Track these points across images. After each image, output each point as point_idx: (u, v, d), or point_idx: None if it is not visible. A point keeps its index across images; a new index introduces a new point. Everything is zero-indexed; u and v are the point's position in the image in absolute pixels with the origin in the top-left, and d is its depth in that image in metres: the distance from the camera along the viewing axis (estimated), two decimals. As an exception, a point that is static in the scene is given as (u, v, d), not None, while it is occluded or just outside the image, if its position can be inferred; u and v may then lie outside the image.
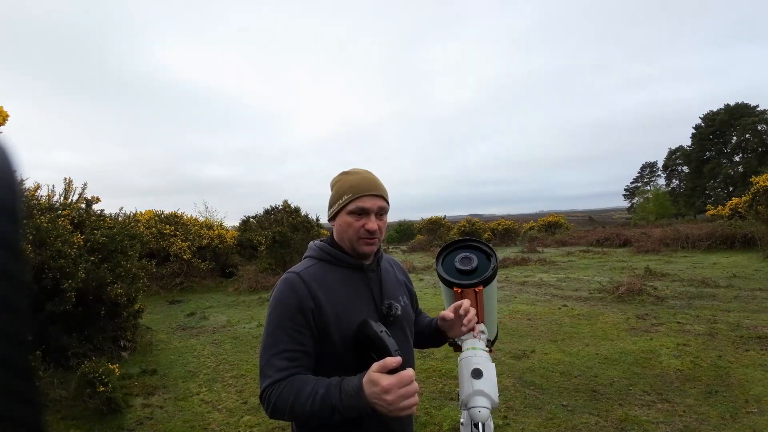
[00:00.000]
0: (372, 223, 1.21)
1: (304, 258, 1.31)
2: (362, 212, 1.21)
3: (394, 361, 0.98)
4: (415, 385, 0.98)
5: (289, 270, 1.24)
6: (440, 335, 1.37)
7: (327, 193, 1.31)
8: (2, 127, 4.26)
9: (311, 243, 1.33)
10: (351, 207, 1.21)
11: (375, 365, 0.99)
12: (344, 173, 1.29)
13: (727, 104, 43.77)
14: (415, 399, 0.98)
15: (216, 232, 13.41)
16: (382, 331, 1.08)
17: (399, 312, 1.27)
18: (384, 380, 0.96)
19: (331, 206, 1.28)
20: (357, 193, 1.21)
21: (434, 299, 8.15)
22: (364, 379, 1.00)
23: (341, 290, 1.21)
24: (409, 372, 0.98)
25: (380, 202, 1.24)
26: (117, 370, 4.17)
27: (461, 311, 1.24)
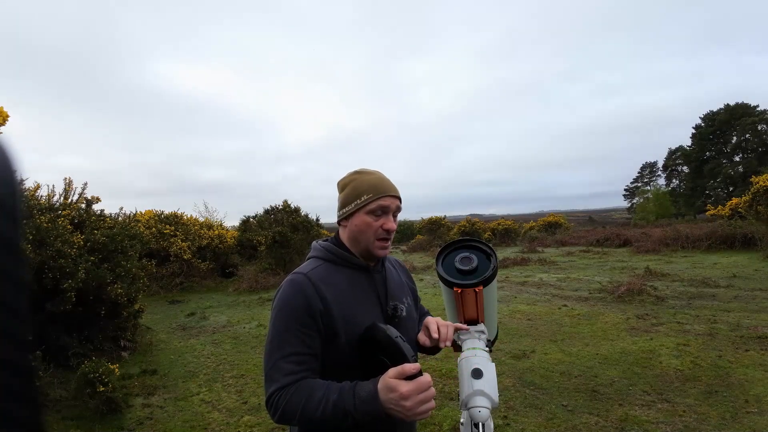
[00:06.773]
0: (391, 222, 1.21)
1: (309, 258, 1.28)
2: (383, 212, 1.21)
3: (412, 367, 0.98)
4: (433, 390, 0.98)
5: (294, 271, 1.21)
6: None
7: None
8: (2, 127, 4.26)
9: (315, 243, 1.31)
10: (372, 206, 1.19)
11: (392, 371, 0.98)
12: (357, 173, 1.27)
13: (727, 104, 43.73)
14: (432, 404, 0.99)
15: (216, 232, 13.41)
16: (396, 337, 1.06)
17: (404, 313, 1.27)
18: (403, 387, 0.95)
19: (344, 206, 1.24)
20: (378, 193, 1.20)
21: (434, 299, 8.14)
22: (380, 385, 0.98)
23: (348, 291, 1.19)
24: (427, 378, 0.98)
25: (398, 203, 1.24)
26: (117, 370, 4.17)
27: (433, 335, 1.22)
